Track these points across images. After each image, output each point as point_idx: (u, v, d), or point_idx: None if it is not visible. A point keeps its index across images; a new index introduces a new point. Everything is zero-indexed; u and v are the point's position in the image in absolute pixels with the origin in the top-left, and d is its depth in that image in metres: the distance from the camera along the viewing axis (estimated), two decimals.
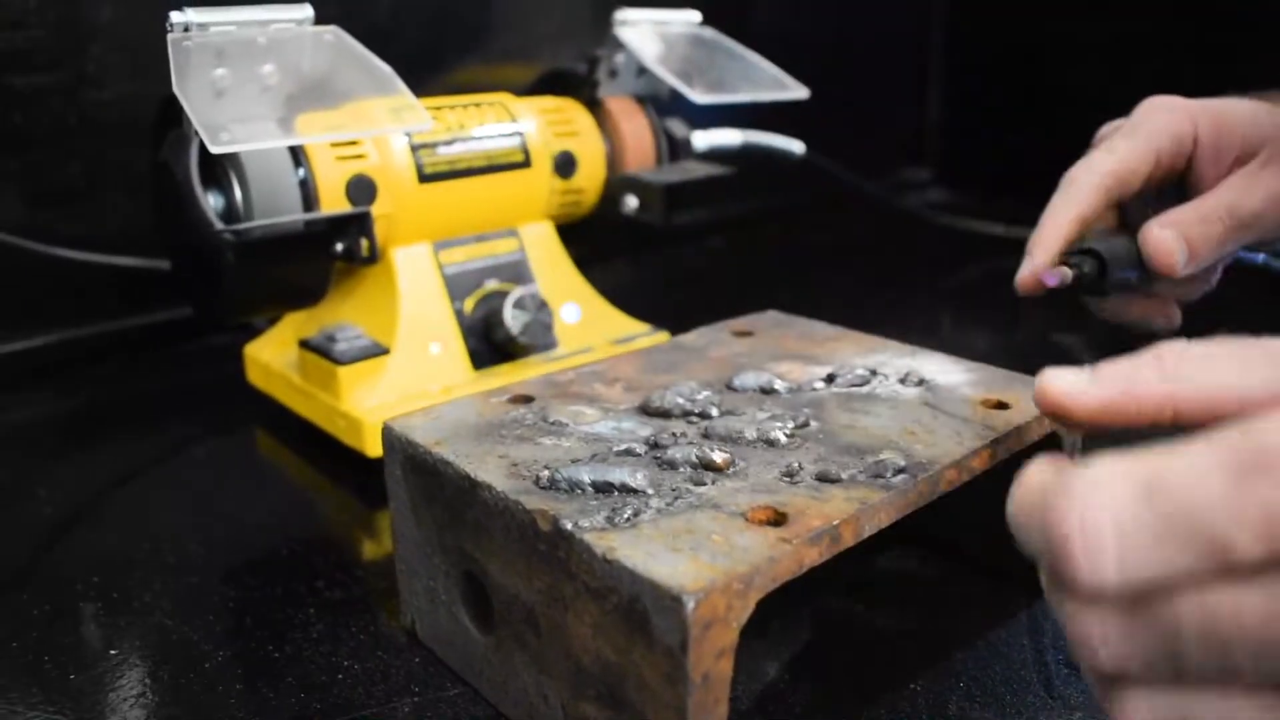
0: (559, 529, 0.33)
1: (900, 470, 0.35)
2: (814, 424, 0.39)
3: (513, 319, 0.61)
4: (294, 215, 0.57)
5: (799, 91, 0.69)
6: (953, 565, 0.47)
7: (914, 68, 1.26)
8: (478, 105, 0.65)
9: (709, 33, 0.71)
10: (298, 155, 0.58)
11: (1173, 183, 0.54)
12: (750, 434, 0.38)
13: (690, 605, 0.28)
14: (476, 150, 0.63)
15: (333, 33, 0.55)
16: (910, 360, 0.46)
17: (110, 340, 0.77)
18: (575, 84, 0.70)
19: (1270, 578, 0.24)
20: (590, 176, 0.69)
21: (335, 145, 0.59)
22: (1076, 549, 0.25)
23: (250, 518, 0.55)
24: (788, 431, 0.38)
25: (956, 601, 0.45)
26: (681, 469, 0.36)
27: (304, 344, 0.60)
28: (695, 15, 0.72)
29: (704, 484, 0.35)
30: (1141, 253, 0.51)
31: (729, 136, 0.78)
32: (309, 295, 0.60)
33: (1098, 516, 0.25)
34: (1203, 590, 0.24)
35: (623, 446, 0.37)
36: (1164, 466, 0.25)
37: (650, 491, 0.34)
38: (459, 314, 0.62)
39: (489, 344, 0.63)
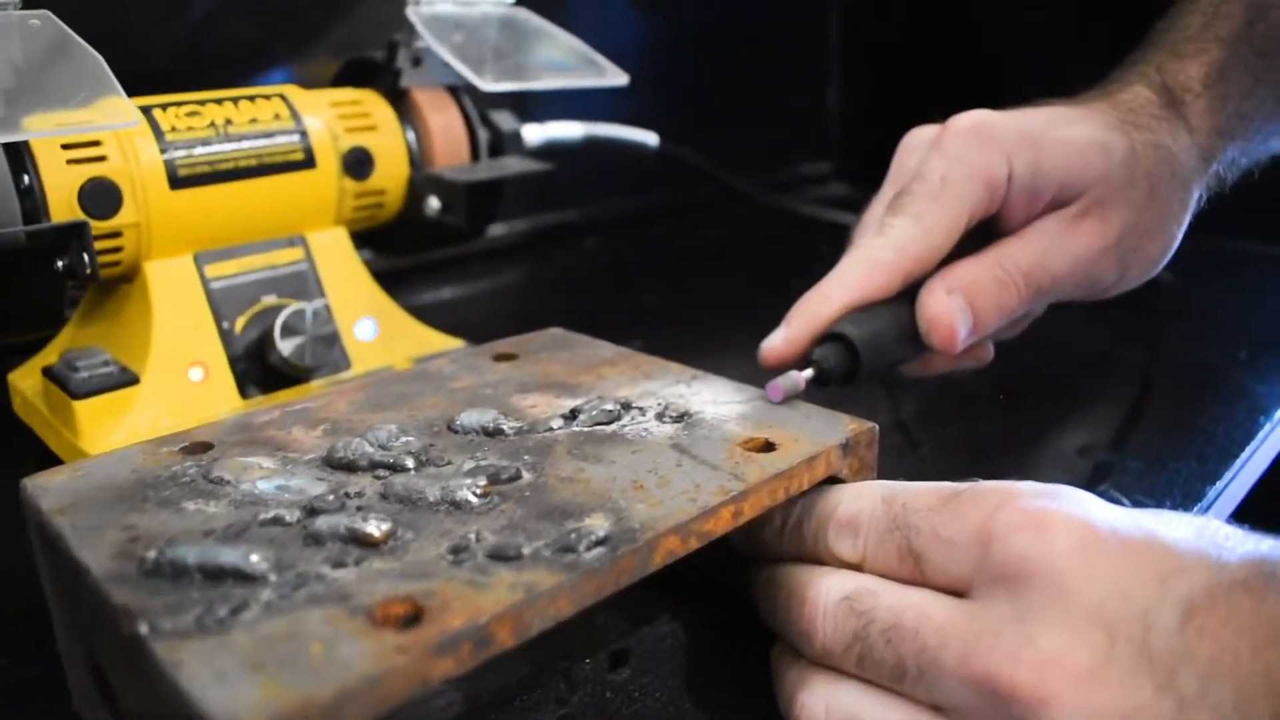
0: (135, 632, 0.25)
1: (599, 542, 0.28)
2: (527, 476, 0.32)
3: (283, 339, 0.53)
4: (11, 228, 0.49)
5: (618, 78, 0.62)
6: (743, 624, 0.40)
7: (812, 57, 1.20)
8: (251, 99, 0.57)
9: (522, 14, 0.64)
10: (23, 159, 0.50)
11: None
12: (433, 494, 0.30)
13: None
14: (244, 150, 0.55)
15: (41, 17, 0.47)
16: (684, 388, 0.39)
17: None
18: (376, 74, 0.63)
19: (940, 595, 0.29)
20: (391, 176, 0.61)
21: (67, 147, 0.51)
22: (831, 535, 0.33)
23: None
24: (479, 490, 0.30)
25: (736, 670, 0.38)
26: (327, 545, 0.28)
27: (46, 372, 0.53)
28: None
29: (345, 565, 0.27)
30: (917, 322, 0.42)
31: (568, 129, 0.71)
32: (40, 319, 0.52)
33: (852, 508, 0.32)
34: (900, 591, 0.30)
35: (271, 513, 0.30)
36: (905, 487, 0.32)
37: (272, 578, 0.27)
38: (226, 335, 0.54)
39: (266, 367, 0.55)
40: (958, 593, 0.29)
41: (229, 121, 0.55)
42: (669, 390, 0.39)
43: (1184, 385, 0.66)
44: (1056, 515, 0.28)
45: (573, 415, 0.36)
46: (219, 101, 0.56)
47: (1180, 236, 0.48)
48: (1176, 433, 0.57)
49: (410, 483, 0.31)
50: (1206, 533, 0.27)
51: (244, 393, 0.54)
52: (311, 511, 0.30)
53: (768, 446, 0.34)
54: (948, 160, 0.43)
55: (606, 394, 0.38)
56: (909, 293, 0.43)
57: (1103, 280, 0.47)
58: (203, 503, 0.31)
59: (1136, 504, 0.49)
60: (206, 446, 0.35)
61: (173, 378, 0.53)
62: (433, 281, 0.86)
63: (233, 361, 0.54)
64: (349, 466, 0.33)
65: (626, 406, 0.37)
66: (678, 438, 0.35)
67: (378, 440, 0.34)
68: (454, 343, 0.61)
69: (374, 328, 0.59)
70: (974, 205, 0.43)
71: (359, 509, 0.30)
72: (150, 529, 0.30)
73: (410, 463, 0.33)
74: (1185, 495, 0.49)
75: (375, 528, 0.28)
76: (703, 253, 1.00)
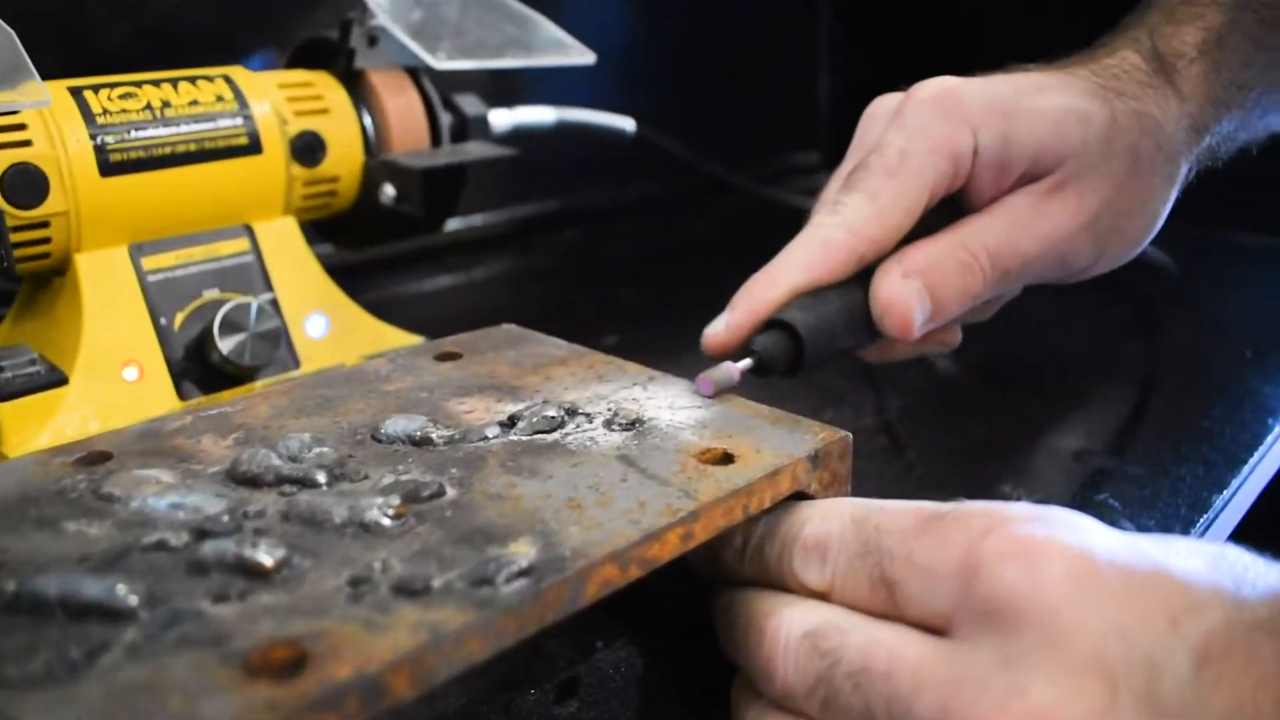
0: None
1: (522, 573, 0.24)
2: (450, 493, 0.29)
3: (222, 336, 0.50)
4: None
5: (583, 57, 0.58)
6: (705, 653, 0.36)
7: (802, 43, 1.16)
8: (192, 80, 0.53)
9: None
10: None
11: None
12: (340, 515, 0.27)
13: None
14: (183, 134, 0.52)
15: None
16: (639, 391, 0.35)
17: None
18: (330, 55, 0.59)
19: (916, 633, 0.26)
20: (344, 163, 0.57)
21: None
22: (796, 559, 0.29)
23: None
24: (392, 511, 0.27)
25: (694, 704, 0.34)
26: (212, 574, 0.25)
27: None
28: None
29: (228, 599, 0.24)
30: (870, 307, 0.39)
31: (539, 114, 0.67)
32: None
33: (820, 529, 0.29)
34: (870, 627, 0.26)
35: (156, 537, 0.26)
36: (880, 506, 0.29)
37: (142, 615, 0.23)
38: (164, 331, 0.51)
39: (208, 367, 0.52)
40: (936, 630, 0.26)
41: (166, 104, 0.52)
42: (622, 394, 0.35)
43: (1186, 385, 0.63)
44: (1050, 544, 0.24)
45: (511, 422, 0.33)
46: (156, 83, 0.52)
47: (1165, 214, 0.44)
48: (1179, 436, 0.53)
49: (316, 501, 0.27)
50: (1223, 564, 0.24)
51: (182, 393, 0.51)
52: (201, 534, 0.26)
53: (726, 458, 0.31)
54: (908, 132, 0.40)
55: (552, 398, 0.35)
56: (863, 276, 0.40)
57: (1077, 261, 0.43)
58: (85, 523, 0.28)
59: (1136, 516, 0.45)
60: (105, 456, 0.32)
61: (104, 378, 0.49)
62: (403, 275, 0.82)
63: (170, 360, 0.51)
64: (253, 481, 0.29)
65: (572, 412, 0.33)
66: (626, 448, 0.31)
67: (288, 451, 0.30)
68: (413, 340, 0.58)
69: (325, 324, 0.55)
70: (935, 181, 0.39)
71: (256, 532, 0.27)
72: (20, 554, 0.26)
73: (321, 477, 0.29)
74: (1190, 505, 0.46)
75: (266, 555, 0.25)
76: (687, 245, 0.97)
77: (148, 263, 0.52)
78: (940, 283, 0.39)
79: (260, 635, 0.22)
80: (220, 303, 0.51)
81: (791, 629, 0.28)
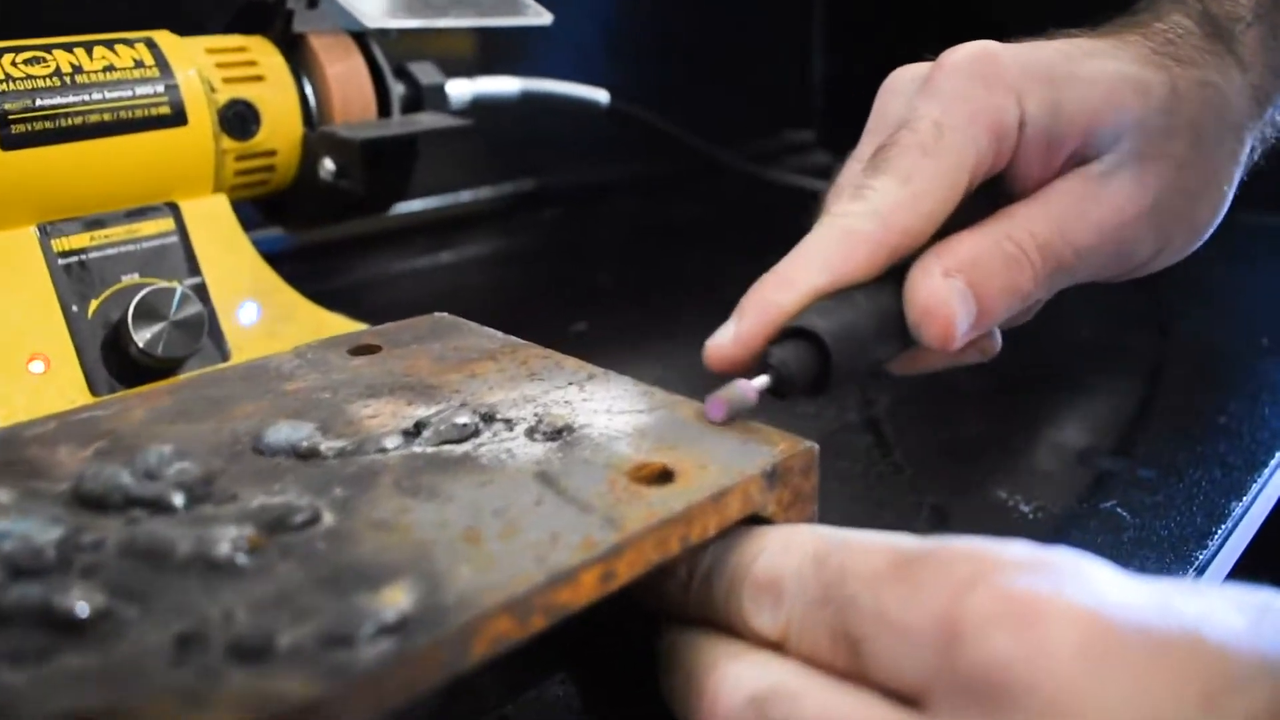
0: None
1: (387, 629, 0.20)
2: (328, 520, 0.24)
3: (137, 326, 0.45)
4: None
5: (540, 18, 0.53)
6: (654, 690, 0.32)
7: (795, 19, 1.11)
8: (109, 44, 0.49)
9: None
10: None
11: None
12: (184, 549, 0.22)
13: None
14: (95, 102, 0.47)
15: None
16: (574, 392, 0.31)
17: None
18: (267, 18, 0.54)
19: (884, 703, 0.22)
20: (282, 135, 0.53)
21: None
22: (745, 599, 0.25)
23: None
24: (247, 545, 0.22)
25: None
26: (15, 627, 0.20)
27: None
28: None
29: (24, 663, 0.19)
30: (905, 312, 0.33)
31: (502, 85, 0.62)
32: None
33: (774, 564, 0.25)
34: (828, 693, 0.22)
35: None
36: (845, 539, 0.24)
37: None
38: (75, 320, 0.46)
39: (126, 358, 0.47)
40: (908, 700, 0.21)
41: (78, 69, 0.47)
42: (554, 395, 0.30)
43: (1199, 378, 0.58)
44: (1053, 602, 0.20)
45: (416, 430, 0.28)
46: (68, 47, 0.48)
47: (1230, 197, 0.39)
48: (1193, 435, 0.49)
49: (158, 531, 0.23)
50: (1267, 622, 0.19)
51: (95, 389, 0.46)
52: (16, 573, 0.22)
53: (664, 476, 0.26)
54: (942, 103, 0.33)
55: (471, 400, 0.30)
56: (894, 274, 0.34)
57: (1137, 253, 0.37)
58: None
59: (1147, 526, 0.41)
60: None
61: (6, 371, 0.45)
62: (368, 258, 0.78)
63: (82, 352, 0.46)
64: (99, 504, 0.25)
65: (489, 418, 0.29)
66: (547, 462, 0.26)
67: (144, 466, 0.25)
68: (355, 326, 0.53)
69: (259, 311, 0.51)
70: (977, 159, 0.33)
71: (84, 570, 0.22)
72: None
73: (178, 499, 0.24)
74: (1207, 514, 0.41)
75: (79, 604, 0.20)
76: (674, 227, 0.92)
77: (58, 244, 0.47)
78: (985, 281, 0.32)
79: (49, 712, 0.18)
80: (138, 288, 0.47)
81: (736, 690, 0.23)
